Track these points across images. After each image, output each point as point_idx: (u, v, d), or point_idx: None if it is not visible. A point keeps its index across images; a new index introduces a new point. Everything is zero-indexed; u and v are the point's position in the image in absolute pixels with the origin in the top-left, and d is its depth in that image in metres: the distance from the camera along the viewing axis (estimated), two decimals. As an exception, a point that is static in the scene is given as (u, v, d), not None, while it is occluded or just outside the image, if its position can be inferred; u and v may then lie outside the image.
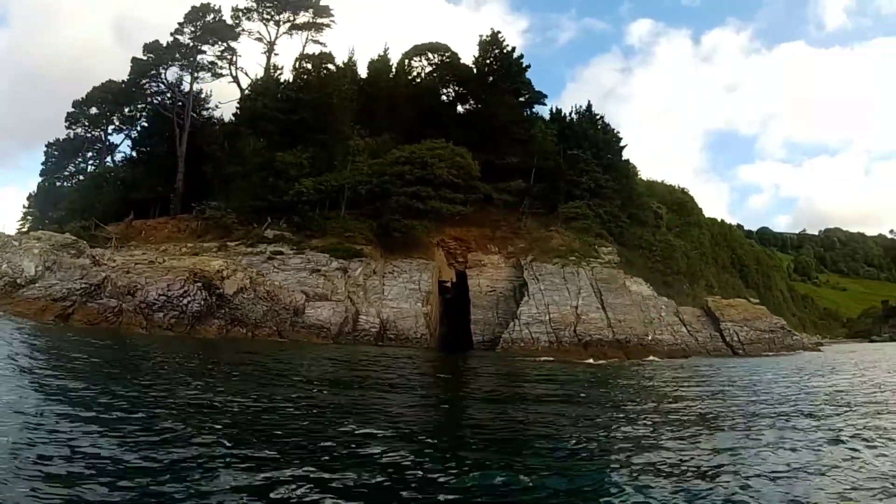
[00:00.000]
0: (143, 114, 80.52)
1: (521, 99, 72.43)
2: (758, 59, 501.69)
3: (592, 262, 55.45)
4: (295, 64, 69.20)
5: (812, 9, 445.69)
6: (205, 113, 74.84)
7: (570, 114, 76.02)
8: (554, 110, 75.25)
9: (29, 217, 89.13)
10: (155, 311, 37.09)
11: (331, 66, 66.45)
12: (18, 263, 42.08)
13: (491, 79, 70.03)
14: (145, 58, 72.24)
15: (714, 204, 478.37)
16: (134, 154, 78.05)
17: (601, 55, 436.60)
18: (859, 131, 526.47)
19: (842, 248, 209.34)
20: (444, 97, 76.92)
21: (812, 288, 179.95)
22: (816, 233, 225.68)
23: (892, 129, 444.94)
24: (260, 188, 54.97)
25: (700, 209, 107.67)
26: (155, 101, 75.22)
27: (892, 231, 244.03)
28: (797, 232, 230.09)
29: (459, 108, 75.39)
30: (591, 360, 41.02)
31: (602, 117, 76.14)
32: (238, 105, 69.79)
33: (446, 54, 77.90)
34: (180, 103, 70.85)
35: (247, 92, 70.59)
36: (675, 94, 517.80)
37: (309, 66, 66.34)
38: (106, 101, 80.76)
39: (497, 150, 63.01)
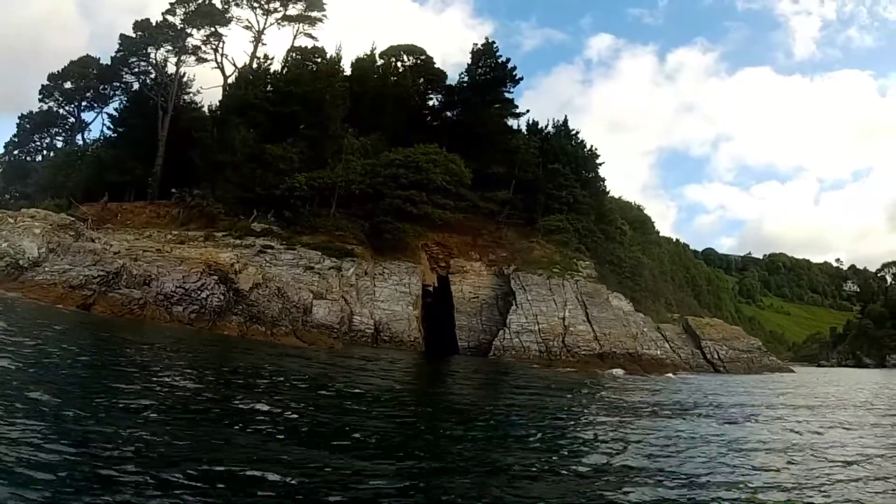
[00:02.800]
0: (120, 93, 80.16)
1: (508, 110, 73.80)
2: (718, 81, 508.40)
3: (576, 276, 57.05)
4: (286, 56, 69.60)
5: (782, 36, 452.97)
6: (186, 97, 74.39)
7: (547, 127, 77.21)
8: (530, 122, 76.83)
9: None
10: (174, 303, 37.31)
11: (321, 62, 66.76)
12: (18, 243, 42.11)
13: (481, 88, 70.92)
14: (135, 35, 71.67)
15: (660, 222, 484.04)
16: (111, 134, 76.69)
17: (563, 65, 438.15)
18: (812, 160, 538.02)
19: (786, 273, 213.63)
20: (433, 101, 78.52)
21: (757, 310, 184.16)
22: (761, 256, 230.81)
23: (845, 160, 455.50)
24: (248, 179, 55.28)
25: (656, 227, 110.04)
26: (139, 82, 74.73)
27: (838, 260, 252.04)
28: (742, 254, 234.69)
29: (447, 114, 76.54)
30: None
31: (578, 132, 77.88)
32: (224, 92, 70.09)
33: (421, 57, 79.33)
34: (163, 85, 70.15)
35: (231, 80, 71.11)
36: (634, 109, 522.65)
37: (300, 58, 66.96)
38: (85, 76, 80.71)
39: (483, 158, 64.06)
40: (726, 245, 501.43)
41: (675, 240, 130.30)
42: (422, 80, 77.26)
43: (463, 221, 60.12)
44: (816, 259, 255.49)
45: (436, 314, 53.69)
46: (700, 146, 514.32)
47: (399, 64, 78.54)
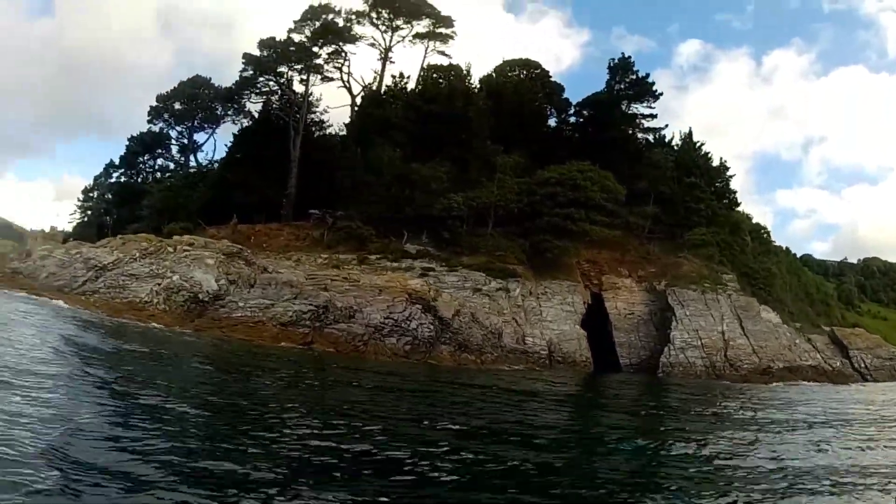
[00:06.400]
0: (232, 113, 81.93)
1: (648, 125, 73.30)
2: (810, 83, 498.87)
3: (728, 289, 56.71)
4: (421, 74, 69.78)
5: (871, 34, 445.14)
6: (312, 117, 74.55)
7: (673, 139, 76.39)
8: (658, 135, 76.14)
9: (88, 211, 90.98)
10: (385, 335, 37.24)
11: (455, 79, 66.56)
12: (190, 275, 42.05)
13: (618, 102, 70.62)
14: (263, 54, 72.00)
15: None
16: (234, 153, 77.23)
17: (660, 70, 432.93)
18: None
19: (881, 277, 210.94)
20: (571, 117, 77.89)
21: (856, 316, 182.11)
22: (856, 261, 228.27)
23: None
24: (396, 200, 55.19)
25: (771, 236, 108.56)
26: (265, 101, 75.02)
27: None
28: (838, 260, 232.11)
29: (567, 128, 76.53)
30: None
31: (703, 144, 77.06)
32: (354, 111, 70.72)
33: (536, 70, 79.00)
34: (292, 105, 70.64)
35: (359, 99, 71.66)
36: (728, 113, 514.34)
37: (435, 76, 66.98)
38: (196, 96, 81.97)
39: (623, 173, 63.32)
40: (820, 250, 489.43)
41: (784, 248, 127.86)
42: (540, 94, 76.48)
43: (610, 238, 59.66)
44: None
45: (587, 331, 53.17)
46: (789, 150, 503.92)
47: (520, 78, 77.73)
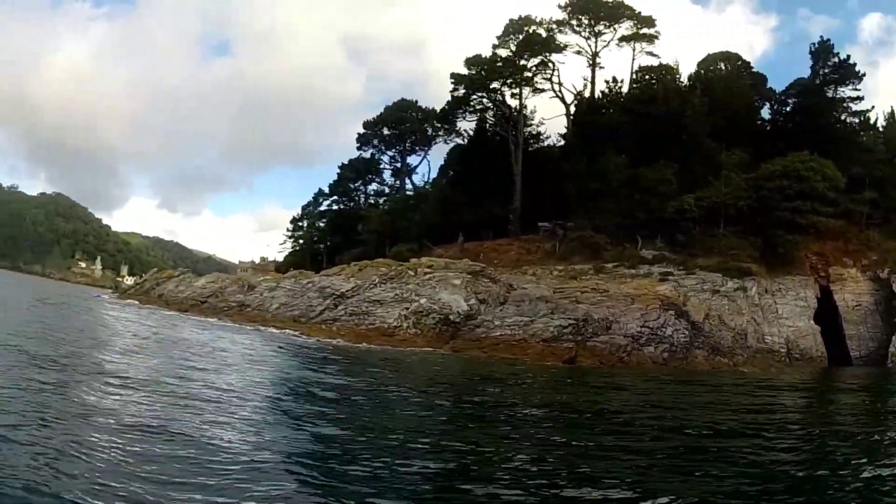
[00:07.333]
0: (443, 133, 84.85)
1: (857, 108, 71.38)
2: None
3: (954, 276, 55.15)
4: (633, 76, 70.93)
5: None
6: (527, 130, 75.56)
7: (877, 120, 74.40)
8: (863, 117, 74.40)
9: (300, 241, 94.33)
10: (643, 344, 37.53)
11: (668, 78, 67.33)
12: (437, 297, 43.34)
13: (824, 87, 69.44)
14: (472, 71, 73.89)
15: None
16: (451, 173, 79.60)
17: (848, 47, 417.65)
18: None
19: None
20: (779, 107, 76.38)
21: None
22: None
23: None
24: (626, 206, 55.87)
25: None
26: (478, 118, 77.06)
27: None
28: None
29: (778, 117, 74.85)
30: None
31: (905, 120, 75.02)
32: (571, 120, 72.14)
33: (738, 62, 78.81)
34: (509, 120, 72.34)
35: (573, 107, 72.96)
36: None
37: (647, 77, 68.20)
38: (405, 119, 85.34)
39: (839, 160, 62.70)
40: None
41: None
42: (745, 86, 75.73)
43: (834, 228, 59.28)
44: None
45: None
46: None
47: (727, 71, 77.40)
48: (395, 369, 27.77)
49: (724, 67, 77.93)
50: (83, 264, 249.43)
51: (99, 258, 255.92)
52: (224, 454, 10.91)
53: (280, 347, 33.34)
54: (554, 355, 36.06)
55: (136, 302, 62.59)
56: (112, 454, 10.18)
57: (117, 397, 15.02)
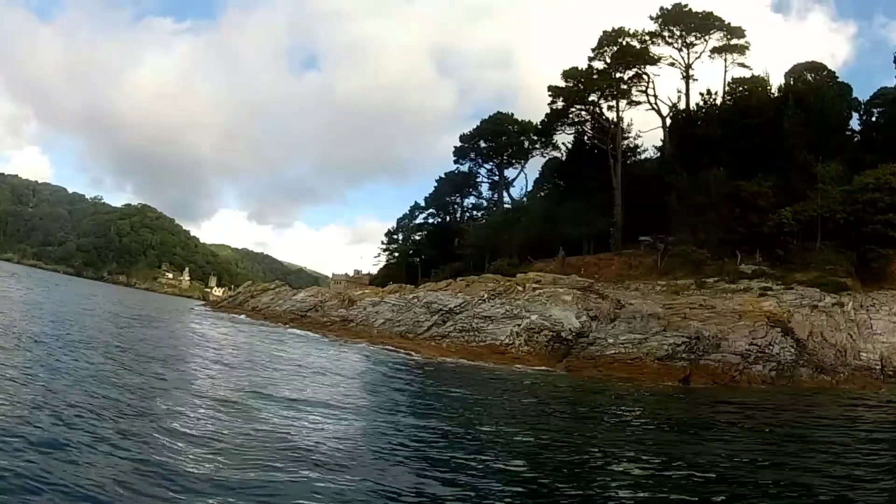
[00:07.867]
0: (540, 147, 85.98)
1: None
2: None
3: None
4: (726, 88, 71.27)
5: None
6: (625, 142, 76.41)
7: None
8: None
9: (395, 253, 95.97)
10: (751, 363, 36.96)
11: (761, 90, 67.74)
12: (547, 313, 43.56)
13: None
14: (569, 84, 75.28)
15: None
16: (550, 186, 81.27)
17: None
18: None
19: None
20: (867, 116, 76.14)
21: None
22: None
23: None
24: (728, 220, 56.09)
25: None
26: (577, 131, 78.50)
27: None
28: None
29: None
30: None
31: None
32: (667, 132, 73.04)
33: (823, 72, 78.43)
34: (607, 132, 73.46)
35: (668, 119, 73.78)
36: None
37: (741, 89, 68.54)
38: (503, 133, 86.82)
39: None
40: None
41: None
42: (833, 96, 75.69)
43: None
44: None
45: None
46: None
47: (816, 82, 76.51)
48: (532, 394, 27.41)
49: (810, 77, 77.39)
50: (170, 275, 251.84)
51: (187, 269, 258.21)
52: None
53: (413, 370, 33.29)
54: (670, 374, 35.87)
55: (243, 316, 64.02)
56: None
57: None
